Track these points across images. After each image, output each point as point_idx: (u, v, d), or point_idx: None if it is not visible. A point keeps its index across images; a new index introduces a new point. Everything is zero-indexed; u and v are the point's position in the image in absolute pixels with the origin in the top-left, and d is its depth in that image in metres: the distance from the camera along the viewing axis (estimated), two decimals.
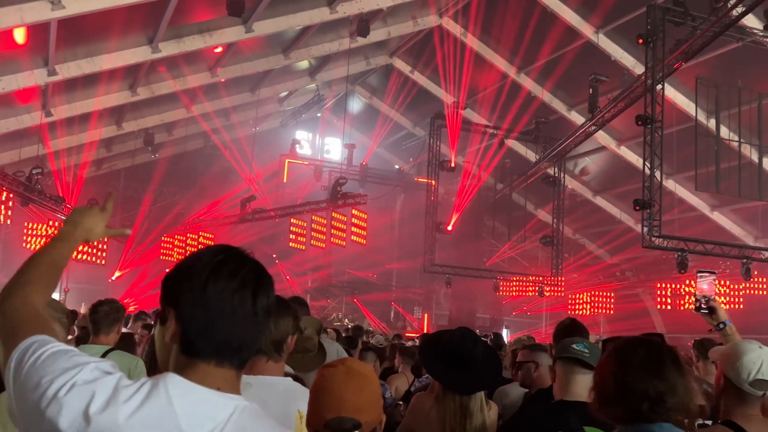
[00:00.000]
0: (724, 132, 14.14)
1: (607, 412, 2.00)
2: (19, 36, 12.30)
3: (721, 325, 3.12)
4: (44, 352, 1.35)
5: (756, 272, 15.54)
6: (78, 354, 1.36)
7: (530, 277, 20.83)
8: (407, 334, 16.30)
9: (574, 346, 2.83)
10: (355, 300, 24.31)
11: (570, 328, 3.52)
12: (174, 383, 1.32)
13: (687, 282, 16.77)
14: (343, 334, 8.75)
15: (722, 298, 17.00)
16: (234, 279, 1.39)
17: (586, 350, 2.82)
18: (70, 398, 1.28)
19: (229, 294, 1.38)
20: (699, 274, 3.28)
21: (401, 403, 5.30)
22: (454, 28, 17.52)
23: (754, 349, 2.48)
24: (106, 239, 18.62)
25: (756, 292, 16.57)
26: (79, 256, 17.59)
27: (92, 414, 1.26)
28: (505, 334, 21.78)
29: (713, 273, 3.29)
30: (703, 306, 3.16)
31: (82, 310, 9.27)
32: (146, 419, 1.27)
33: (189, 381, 1.34)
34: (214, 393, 1.34)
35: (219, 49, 15.44)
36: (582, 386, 2.75)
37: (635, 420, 1.93)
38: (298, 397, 2.32)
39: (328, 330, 7.40)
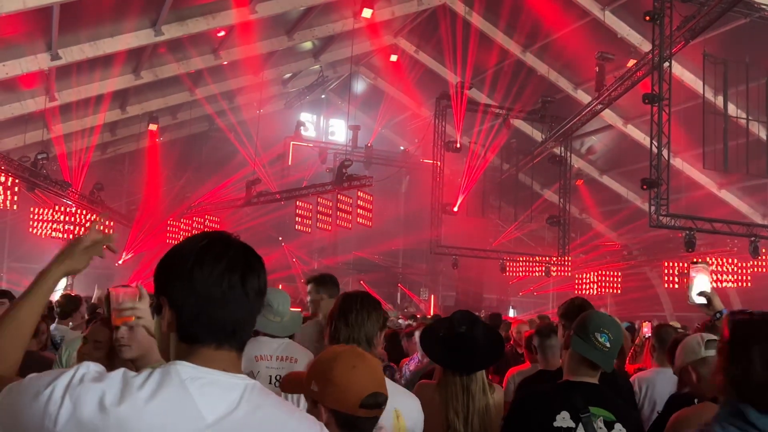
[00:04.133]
0: (732, 109, 14.02)
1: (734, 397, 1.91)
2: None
3: (718, 315, 3.10)
4: (24, 379, 1.36)
5: (764, 250, 15.46)
6: (61, 369, 1.39)
7: (537, 258, 20.81)
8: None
9: (598, 336, 2.69)
10: (361, 282, 24.33)
11: (582, 309, 3.44)
12: (184, 368, 1.35)
13: (693, 260, 16.72)
14: None
15: (730, 276, 16.97)
16: (220, 262, 1.41)
17: (608, 344, 2.69)
18: (83, 393, 1.29)
19: (217, 278, 1.39)
20: (693, 266, 3.26)
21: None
22: (459, 7, 17.36)
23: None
24: (111, 223, 18.68)
25: (764, 270, 16.49)
26: None
27: (109, 406, 1.28)
28: (513, 315, 21.85)
29: (706, 264, 3.26)
30: (698, 297, 3.15)
31: (95, 294, 9.39)
32: (164, 404, 1.30)
33: (197, 366, 1.36)
34: (223, 374, 1.37)
35: (222, 33, 15.36)
36: (591, 370, 2.73)
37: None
38: (395, 395, 2.26)
39: None
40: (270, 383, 3.76)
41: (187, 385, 1.32)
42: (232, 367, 1.40)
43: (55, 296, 7.34)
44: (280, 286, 20.67)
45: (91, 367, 1.35)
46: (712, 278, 3.38)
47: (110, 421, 1.26)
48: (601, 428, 2.58)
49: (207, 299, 1.39)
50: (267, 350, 3.81)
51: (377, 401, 1.82)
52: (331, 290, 4.50)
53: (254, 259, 1.47)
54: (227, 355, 1.41)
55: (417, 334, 6.42)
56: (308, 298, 4.61)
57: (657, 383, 4.34)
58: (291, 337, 4.00)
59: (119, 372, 1.35)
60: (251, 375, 3.63)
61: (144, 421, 1.28)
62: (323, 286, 4.56)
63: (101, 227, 1.87)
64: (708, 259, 15.43)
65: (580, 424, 2.57)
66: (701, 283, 3.19)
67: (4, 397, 1.35)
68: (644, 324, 6.48)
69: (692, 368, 2.90)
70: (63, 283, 19.20)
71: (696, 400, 3.15)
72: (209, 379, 1.35)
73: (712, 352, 2.79)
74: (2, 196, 14.49)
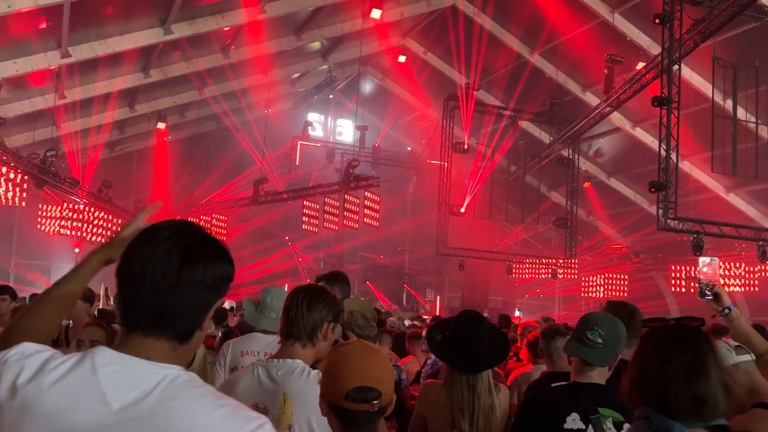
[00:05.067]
0: (741, 113, 13.97)
1: (639, 403, 1.96)
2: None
3: (726, 311, 3.10)
4: None
5: None
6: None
7: (543, 260, 20.77)
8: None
9: (588, 334, 2.74)
10: (367, 282, 24.35)
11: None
12: (101, 354, 1.33)
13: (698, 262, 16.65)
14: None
15: (737, 281, 16.89)
16: (160, 247, 1.37)
17: (600, 340, 2.73)
18: (4, 371, 1.32)
19: (151, 261, 1.35)
20: (702, 261, 3.26)
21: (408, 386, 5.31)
22: (468, 8, 17.36)
23: None
24: (119, 221, 18.73)
25: None
26: (94, 238, 17.70)
27: (19, 385, 1.30)
28: (518, 315, 21.81)
29: (716, 258, 3.26)
30: (707, 292, 3.14)
31: (102, 292, 9.20)
32: (69, 386, 1.29)
33: (118, 352, 1.34)
34: (143, 362, 1.33)
35: (228, 28, 15.40)
36: (595, 371, 2.74)
37: (671, 418, 1.89)
38: (292, 382, 2.37)
39: None
40: None
41: (98, 370, 1.30)
42: (161, 357, 1.35)
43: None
44: (287, 285, 20.77)
45: (30, 347, 1.37)
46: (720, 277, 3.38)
47: (16, 400, 1.28)
48: (610, 429, 2.59)
49: (139, 284, 1.35)
50: (256, 346, 3.85)
51: (364, 396, 1.83)
52: (343, 288, 4.51)
53: (202, 250, 1.40)
54: (155, 344, 1.35)
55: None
56: None
57: None
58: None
59: (48, 353, 1.35)
60: (236, 369, 3.66)
61: (46, 403, 1.28)
62: (335, 284, 4.57)
63: (148, 217, 1.80)
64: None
65: (590, 426, 2.57)
66: (710, 278, 3.19)
67: None
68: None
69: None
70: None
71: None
72: (123, 366, 1.31)
73: (743, 358, 2.81)
74: (11, 193, 14.56)
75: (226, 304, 10.10)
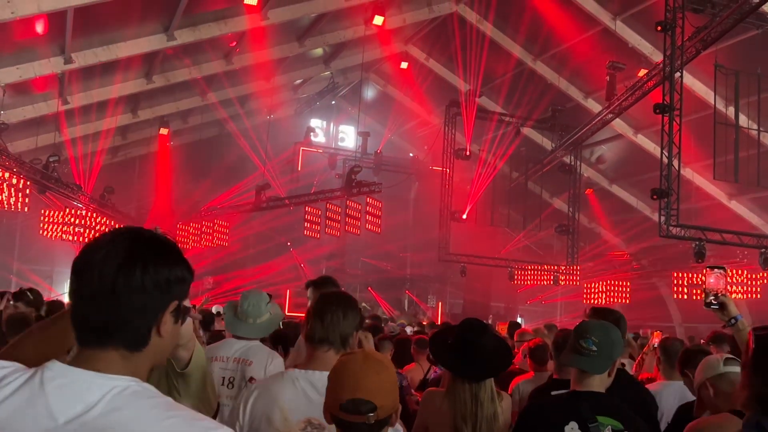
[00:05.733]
0: (743, 120, 13.99)
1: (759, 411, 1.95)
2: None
3: (733, 321, 3.09)
4: None
5: None
6: None
7: (545, 266, 20.76)
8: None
9: (583, 343, 2.78)
10: (369, 288, 24.34)
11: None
12: (51, 368, 1.31)
13: (704, 271, 16.63)
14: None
15: (739, 288, 16.87)
16: (97, 253, 1.34)
17: (594, 347, 2.75)
18: None
19: (88, 270, 1.33)
20: (708, 270, 3.25)
21: (414, 393, 5.30)
22: (470, 15, 17.39)
23: None
24: (121, 227, 18.73)
25: None
26: None
27: None
28: (520, 323, 21.78)
29: (723, 268, 3.25)
30: (713, 302, 3.13)
31: None
32: (17, 401, 1.28)
33: (68, 365, 1.32)
34: (90, 374, 1.30)
35: (233, 44, 15.49)
36: (595, 379, 2.76)
37: None
38: None
39: None
40: (222, 384, 3.76)
41: (45, 384, 1.28)
42: (110, 368, 1.32)
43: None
44: (288, 292, 20.76)
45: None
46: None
47: None
48: None
49: (79, 294, 1.34)
50: (225, 352, 3.85)
51: (358, 408, 1.83)
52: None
53: (140, 252, 1.35)
54: (102, 355, 1.32)
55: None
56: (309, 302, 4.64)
57: (663, 396, 4.33)
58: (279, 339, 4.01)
59: (8, 369, 1.34)
60: None
61: None
62: (324, 289, 4.57)
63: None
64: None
65: None
66: (716, 288, 3.18)
67: None
68: (655, 334, 6.46)
69: (710, 383, 2.93)
70: (66, 287, 19.34)
71: (708, 412, 3.16)
72: (70, 379, 1.29)
73: (730, 368, 2.85)
74: (13, 198, 14.58)
75: (214, 309, 10.03)
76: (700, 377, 3.10)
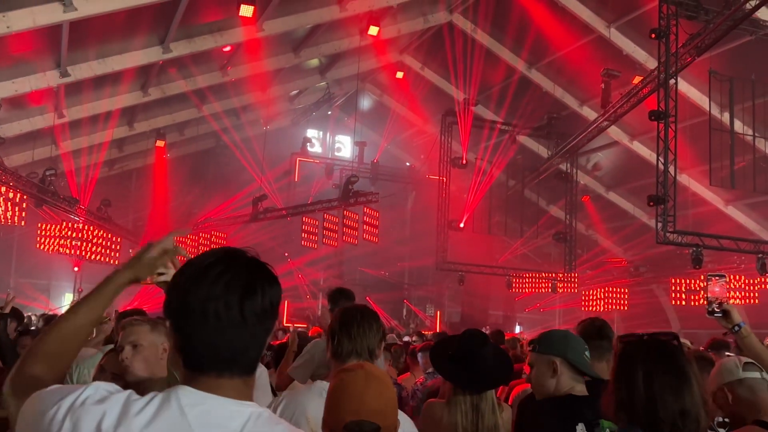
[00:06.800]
0: (738, 126, 14.03)
1: (626, 421, 1.99)
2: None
3: (736, 328, 3.08)
4: (44, 390, 1.36)
5: None
6: (76, 385, 1.38)
7: (543, 274, 20.75)
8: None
9: (587, 353, 2.90)
10: (367, 298, 24.29)
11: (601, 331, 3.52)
12: (185, 394, 1.31)
13: (701, 277, 16.66)
14: None
15: (737, 293, 16.88)
16: (217, 284, 1.33)
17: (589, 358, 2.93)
18: (83, 415, 1.28)
19: (212, 301, 1.31)
20: (710, 277, 3.23)
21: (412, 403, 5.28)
22: (464, 24, 17.46)
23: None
24: (118, 239, 18.71)
25: None
26: (93, 257, 17.68)
27: (105, 430, 1.26)
28: (519, 331, 21.76)
29: (724, 276, 3.24)
30: (716, 309, 3.12)
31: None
32: (161, 427, 1.26)
33: (200, 391, 1.31)
34: (227, 401, 1.31)
35: (228, 48, 15.49)
36: (582, 386, 2.87)
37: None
38: None
39: None
40: None
41: (186, 411, 1.28)
42: (238, 394, 1.33)
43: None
44: (287, 303, 20.72)
45: (101, 388, 1.34)
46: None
47: None
48: None
49: (201, 323, 1.31)
50: None
51: (361, 429, 1.81)
52: (345, 305, 4.52)
53: (257, 280, 1.36)
54: (230, 383, 1.33)
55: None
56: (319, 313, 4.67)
57: None
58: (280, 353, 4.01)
59: (123, 394, 1.32)
60: None
61: None
62: (341, 300, 4.60)
63: (177, 238, 1.76)
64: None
65: None
66: (718, 295, 3.17)
67: (27, 405, 1.35)
68: None
69: (728, 389, 2.88)
70: (69, 298, 19.20)
71: (720, 418, 3.16)
72: (210, 406, 1.29)
73: (750, 374, 2.80)
74: (10, 212, 14.54)
75: None
76: (716, 382, 3.06)
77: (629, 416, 1.94)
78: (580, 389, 2.85)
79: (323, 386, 2.51)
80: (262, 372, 3.82)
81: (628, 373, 1.97)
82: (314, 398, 2.52)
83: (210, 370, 1.33)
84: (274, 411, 2.57)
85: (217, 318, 1.31)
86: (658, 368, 1.95)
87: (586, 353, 2.90)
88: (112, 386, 1.36)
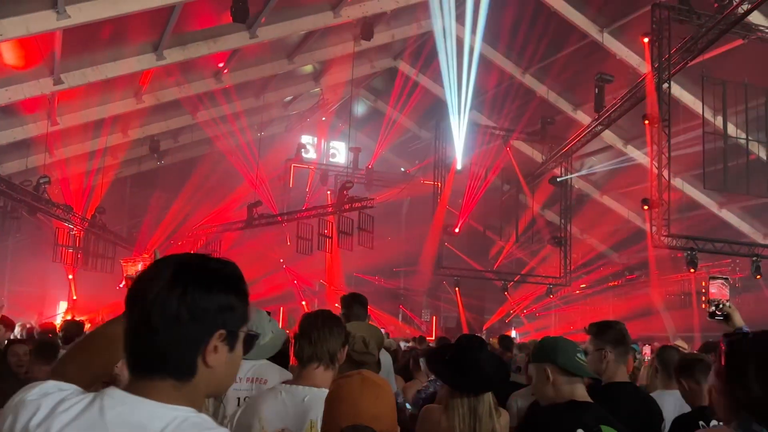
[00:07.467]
0: (731, 129, 14.09)
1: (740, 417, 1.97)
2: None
3: (738, 331, 3.08)
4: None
5: None
6: (44, 382, 1.38)
7: (539, 278, 20.77)
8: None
9: (580, 356, 2.88)
10: None
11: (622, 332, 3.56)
12: (111, 394, 1.31)
13: (703, 283, 16.70)
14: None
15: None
16: (147, 287, 1.32)
17: (584, 360, 2.90)
18: (21, 410, 1.31)
19: (138, 304, 1.32)
20: (711, 281, 3.24)
21: (409, 407, 5.27)
22: (458, 30, 17.47)
23: None
24: (113, 247, 18.66)
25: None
26: (88, 264, 17.64)
27: (31, 427, 1.28)
28: (514, 335, 21.76)
29: (726, 278, 3.25)
30: (717, 313, 3.12)
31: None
32: (76, 429, 1.27)
33: (128, 393, 1.31)
34: (150, 403, 1.29)
35: (221, 64, 15.53)
36: (582, 389, 2.88)
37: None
38: (320, 408, 2.35)
39: None
40: (238, 405, 3.77)
41: (106, 412, 1.27)
42: (166, 397, 1.30)
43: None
44: (282, 309, 20.68)
45: (51, 386, 1.35)
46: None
47: None
48: None
49: (133, 327, 1.33)
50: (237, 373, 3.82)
51: None
52: (359, 310, 4.55)
53: (181, 281, 1.32)
54: (159, 385, 1.31)
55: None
56: None
57: (664, 405, 4.32)
58: (275, 357, 4.00)
59: (64, 392, 1.33)
60: (218, 398, 3.64)
61: None
62: (354, 305, 4.64)
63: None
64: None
65: None
66: (719, 297, 3.18)
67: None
68: (644, 346, 6.46)
69: None
70: (63, 306, 19.15)
71: (701, 423, 3.16)
72: (132, 407, 1.28)
73: None
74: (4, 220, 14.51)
75: None
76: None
77: (746, 413, 1.92)
78: (581, 393, 2.85)
79: (279, 388, 2.60)
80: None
81: (740, 371, 1.96)
82: (268, 399, 2.57)
83: (139, 372, 1.33)
84: (234, 414, 2.65)
85: (143, 321, 1.31)
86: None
87: (578, 355, 2.89)
88: (66, 385, 1.36)
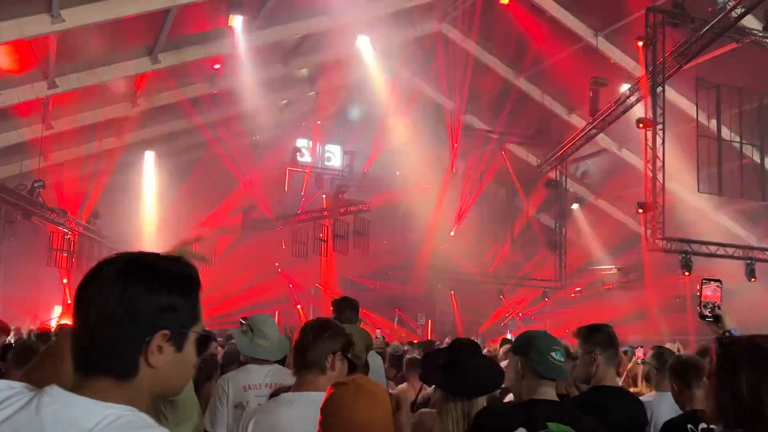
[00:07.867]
0: (726, 133, 14.13)
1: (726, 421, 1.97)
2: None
3: (727, 334, 3.09)
4: None
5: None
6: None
7: (534, 281, 20.78)
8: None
9: (555, 354, 2.79)
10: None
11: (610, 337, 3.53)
12: (49, 392, 1.30)
13: (698, 286, 16.69)
14: None
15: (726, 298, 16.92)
16: (94, 283, 1.33)
17: (562, 359, 2.80)
18: None
19: (80, 303, 1.33)
20: (704, 282, 3.24)
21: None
22: (454, 34, 17.53)
23: None
24: (108, 251, 18.59)
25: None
26: (82, 269, 17.58)
27: None
28: (510, 339, 21.73)
29: (718, 281, 3.24)
30: (708, 315, 3.13)
31: None
32: (12, 427, 1.26)
33: (66, 391, 1.30)
34: (85, 400, 1.28)
35: (217, 66, 15.49)
36: (550, 389, 2.79)
37: None
38: None
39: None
40: None
41: (41, 409, 1.26)
42: (103, 395, 1.29)
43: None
44: (277, 312, 20.64)
45: (3, 385, 1.35)
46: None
47: None
48: None
49: (77, 319, 1.34)
50: (256, 379, 3.81)
51: None
52: (350, 314, 4.55)
53: (120, 282, 1.32)
54: (97, 383, 1.30)
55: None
56: None
57: (661, 407, 4.32)
58: (281, 362, 3.99)
59: (10, 391, 1.33)
60: (240, 406, 3.62)
61: None
62: (346, 310, 4.65)
63: (191, 247, 1.78)
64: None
65: None
66: (713, 301, 3.18)
67: None
68: (637, 349, 6.46)
69: None
70: (58, 310, 19.10)
71: (690, 427, 3.16)
72: (67, 405, 1.27)
73: None
74: None
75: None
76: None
77: (736, 420, 1.93)
78: (545, 391, 2.76)
79: (291, 398, 2.61)
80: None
81: (730, 376, 1.96)
82: (283, 410, 2.57)
83: (81, 371, 1.33)
84: (246, 427, 2.60)
85: (83, 320, 1.32)
86: (760, 369, 1.94)
87: (553, 354, 2.78)
88: (17, 384, 1.36)
